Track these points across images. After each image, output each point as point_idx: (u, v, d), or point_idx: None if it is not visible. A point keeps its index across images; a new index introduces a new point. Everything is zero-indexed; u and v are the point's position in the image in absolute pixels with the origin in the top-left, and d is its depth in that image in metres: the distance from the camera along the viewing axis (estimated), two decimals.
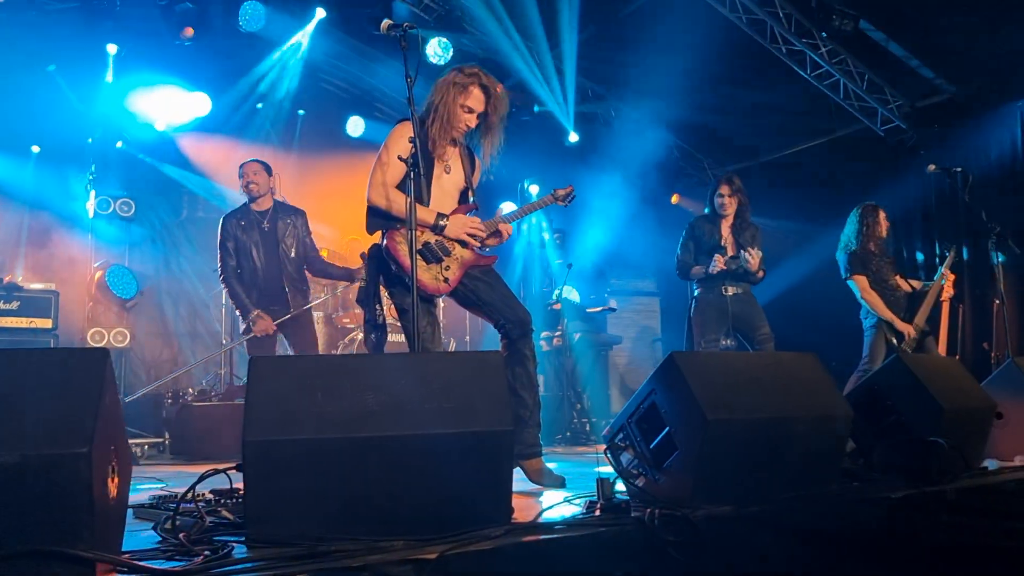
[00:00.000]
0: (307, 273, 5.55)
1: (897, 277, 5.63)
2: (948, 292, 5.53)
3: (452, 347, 7.36)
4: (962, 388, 3.54)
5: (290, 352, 5.46)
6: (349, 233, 8.00)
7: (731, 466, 2.49)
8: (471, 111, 3.53)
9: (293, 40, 7.63)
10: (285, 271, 5.23)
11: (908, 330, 5.36)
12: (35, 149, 7.18)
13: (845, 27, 6.79)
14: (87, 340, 6.15)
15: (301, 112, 8.34)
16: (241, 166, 5.45)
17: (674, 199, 9.21)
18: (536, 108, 8.45)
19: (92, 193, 6.72)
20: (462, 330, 7.85)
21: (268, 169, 5.41)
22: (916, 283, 5.70)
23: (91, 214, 6.71)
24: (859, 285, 5.48)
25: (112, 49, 6.93)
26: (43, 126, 7.12)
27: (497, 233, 3.62)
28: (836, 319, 6.04)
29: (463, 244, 3.56)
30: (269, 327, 5.09)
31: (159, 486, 3.60)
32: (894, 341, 5.37)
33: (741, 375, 2.69)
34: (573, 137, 8.76)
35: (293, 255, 5.27)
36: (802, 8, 7.14)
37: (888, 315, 5.39)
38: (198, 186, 8.00)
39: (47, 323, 5.99)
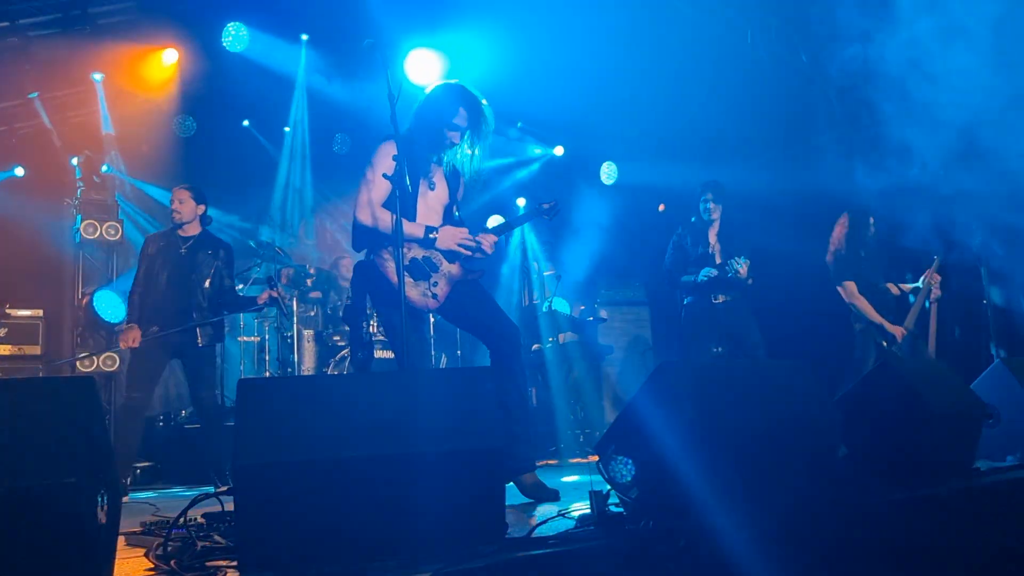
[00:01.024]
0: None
1: (889, 284, 5.66)
2: (936, 293, 5.57)
3: (444, 362, 7.34)
4: (952, 390, 3.56)
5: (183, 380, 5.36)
6: (335, 251, 8.01)
7: (724, 476, 2.49)
8: (455, 128, 3.55)
9: (278, 60, 7.65)
10: (195, 300, 5.00)
11: (898, 332, 5.38)
12: (19, 172, 7.16)
13: None
14: (76, 365, 6.12)
15: (287, 129, 8.35)
16: (172, 190, 5.28)
17: (661, 207, 9.24)
18: (519, 124, 8.49)
19: (79, 217, 6.71)
20: (453, 344, 7.84)
21: (198, 196, 5.20)
22: (905, 286, 5.74)
23: (78, 238, 6.69)
24: (847, 290, 5.51)
25: (99, 75, 6.93)
26: (28, 150, 7.10)
27: (482, 248, 3.62)
28: (826, 323, 6.06)
29: (451, 259, 3.56)
30: (131, 339, 4.80)
31: (150, 511, 3.56)
32: (884, 344, 5.40)
33: (731, 384, 2.70)
34: (559, 150, 8.80)
35: (207, 287, 5.05)
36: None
37: (877, 318, 5.42)
38: None
39: (35, 349, 5.95)
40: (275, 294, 5.05)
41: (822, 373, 3.03)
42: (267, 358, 6.90)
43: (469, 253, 3.57)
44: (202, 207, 5.19)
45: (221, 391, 5.78)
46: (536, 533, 2.35)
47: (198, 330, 4.95)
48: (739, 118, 8.06)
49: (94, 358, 6.27)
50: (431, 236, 3.50)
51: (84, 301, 6.55)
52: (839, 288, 5.58)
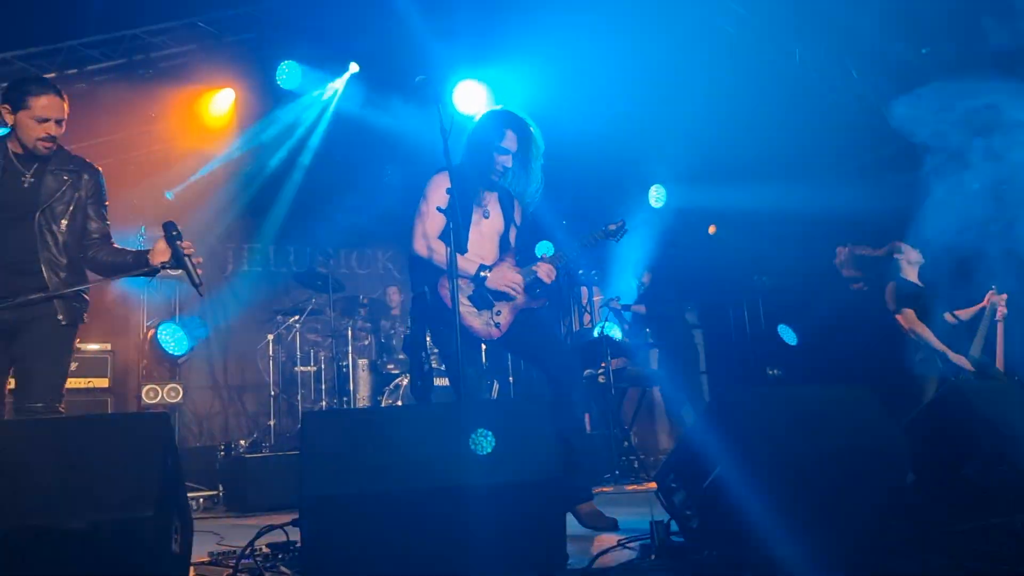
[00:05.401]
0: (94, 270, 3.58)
1: (945, 313, 5.53)
2: (1001, 311, 5.40)
3: (495, 389, 7.36)
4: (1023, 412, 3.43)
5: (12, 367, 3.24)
6: (384, 281, 8.14)
7: (786, 505, 2.45)
8: (506, 152, 3.57)
9: (325, 91, 7.85)
10: (45, 249, 3.27)
11: (962, 362, 5.23)
12: None
13: None
14: (142, 397, 6.30)
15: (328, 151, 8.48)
16: None
17: (711, 230, 9.16)
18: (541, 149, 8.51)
19: None
20: (505, 371, 7.86)
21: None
22: (962, 312, 5.58)
23: None
24: (907, 317, 5.39)
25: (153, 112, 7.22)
26: None
27: (539, 279, 3.61)
28: (882, 357, 5.91)
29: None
30: None
31: (214, 540, 3.64)
32: (952, 379, 5.22)
33: (793, 411, 2.66)
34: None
35: (64, 228, 3.35)
36: None
37: (940, 346, 5.29)
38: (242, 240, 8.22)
39: (103, 382, 6.15)
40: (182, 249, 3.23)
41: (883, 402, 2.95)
42: (323, 388, 7.01)
43: (517, 295, 3.54)
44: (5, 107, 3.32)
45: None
46: (597, 563, 2.34)
47: (48, 286, 3.22)
48: (788, 137, 7.97)
49: (158, 389, 6.45)
50: (482, 275, 3.49)
51: (149, 334, 6.76)
52: (898, 316, 5.45)
